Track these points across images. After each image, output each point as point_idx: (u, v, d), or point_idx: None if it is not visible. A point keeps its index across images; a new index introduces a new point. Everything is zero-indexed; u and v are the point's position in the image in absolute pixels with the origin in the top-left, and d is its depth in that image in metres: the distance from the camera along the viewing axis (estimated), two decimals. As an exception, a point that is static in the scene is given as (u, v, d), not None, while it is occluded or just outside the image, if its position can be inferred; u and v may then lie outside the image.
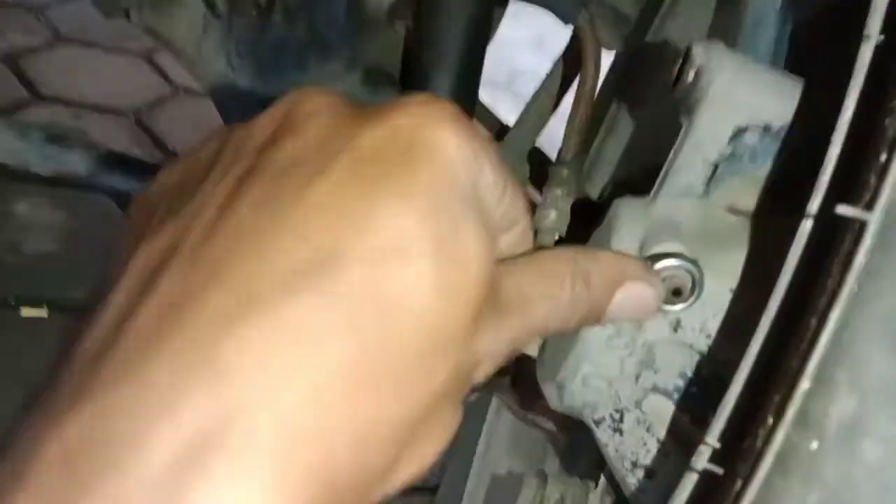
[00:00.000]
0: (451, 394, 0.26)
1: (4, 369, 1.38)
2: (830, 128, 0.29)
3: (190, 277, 0.24)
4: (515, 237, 0.33)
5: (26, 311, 1.50)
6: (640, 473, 0.44)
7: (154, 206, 0.28)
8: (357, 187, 0.24)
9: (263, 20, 0.84)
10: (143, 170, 0.76)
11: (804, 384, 0.24)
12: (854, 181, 0.25)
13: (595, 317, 0.35)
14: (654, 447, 0.44)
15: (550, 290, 0.32)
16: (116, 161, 0.75)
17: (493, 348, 0.29)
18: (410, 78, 0.84)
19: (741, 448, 0.25)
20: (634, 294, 0.36)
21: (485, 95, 0.90)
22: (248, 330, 0.22)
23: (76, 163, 0.73)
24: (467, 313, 0.25)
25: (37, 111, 2.02)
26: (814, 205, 0.26)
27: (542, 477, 0.59)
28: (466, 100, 0.82)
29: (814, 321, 0.24)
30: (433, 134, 0.25)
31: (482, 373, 0.29)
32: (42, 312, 1.51)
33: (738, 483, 0.24)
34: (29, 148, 0.71)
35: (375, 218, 0.24)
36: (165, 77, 2.35)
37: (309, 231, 0.24)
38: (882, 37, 0.27)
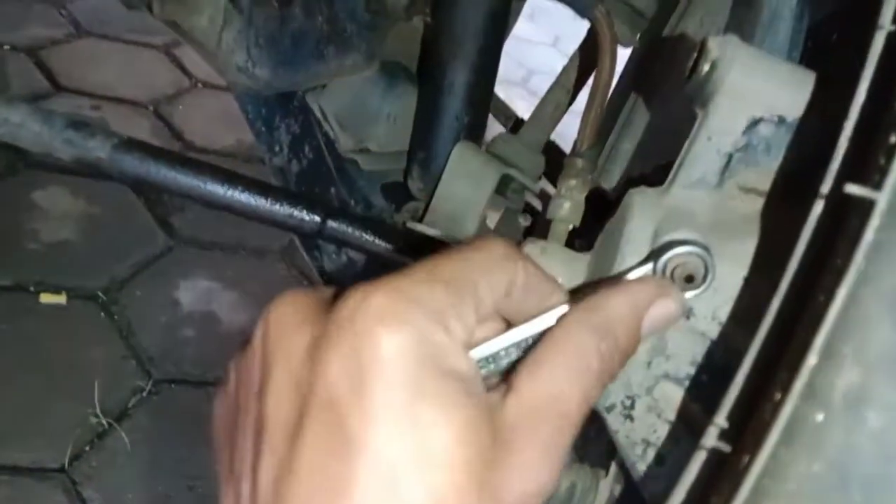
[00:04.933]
0: None
1: (25, 354, 1.40)
2: (843, 118, 0.29)
3: None
4: (520, 293, 0.35)
5: (46, 298, 1.52)
6: (651, 460, 0.44)
7: (220, 427, 0.36)
8: (328, 447, 0.29)
9: (283, 13, 0.84)
10: (161, 157, 0.77)
11: (811, 359, 0.24)
12: (864, 163, 0.25)
13: (632, 354, 0.37)
14: (664, 434, 0.44)
15: (580, 373, 0.34)
16: (137, 147, 0.76)
17: (526, 476, 0.31)
18: (428, 71, 0.85)
19: (749, 425, 0.26)
20: (659, 315, 0.38)
21: (501, 92, 0.91)
22: None
23: (98, 148, 0.74)
24: (465, 499, 0.29)
25: (57, 102, 2.04)
26: (826, 185, 0.26)
27: (553, 464, 0.59)
28: (482, 92, 0.83)
29: (822, 297, 0.24)
30: (373, 350, 0.29)
31: (537, 497, 0.32)
32: (61, 299, 1.53)
33: (745, 458, 0.25)
34: (52, 134, 0.72)
35: (352, 473, 0.28)
36: (184, 70, 2.37)
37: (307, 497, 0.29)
38: (895, 27, 0.28)
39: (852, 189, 0.24)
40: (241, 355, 0.34)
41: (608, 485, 0.58)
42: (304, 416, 0.29)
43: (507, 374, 0.34)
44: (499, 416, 0.31)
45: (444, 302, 0.31)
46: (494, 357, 0.35)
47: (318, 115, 0.93)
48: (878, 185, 0.24)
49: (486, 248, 0.34)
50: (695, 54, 0.46)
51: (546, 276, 0.37)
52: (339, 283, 0.95)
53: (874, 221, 0.24)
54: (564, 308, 0.37)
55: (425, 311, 0.30)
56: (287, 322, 0.32)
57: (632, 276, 0.41)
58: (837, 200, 0.25)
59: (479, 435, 0.30)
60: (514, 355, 0.36)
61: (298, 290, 0.34)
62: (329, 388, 0.29)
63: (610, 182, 0.95)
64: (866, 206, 0.24)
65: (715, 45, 0.44)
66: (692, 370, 0.44)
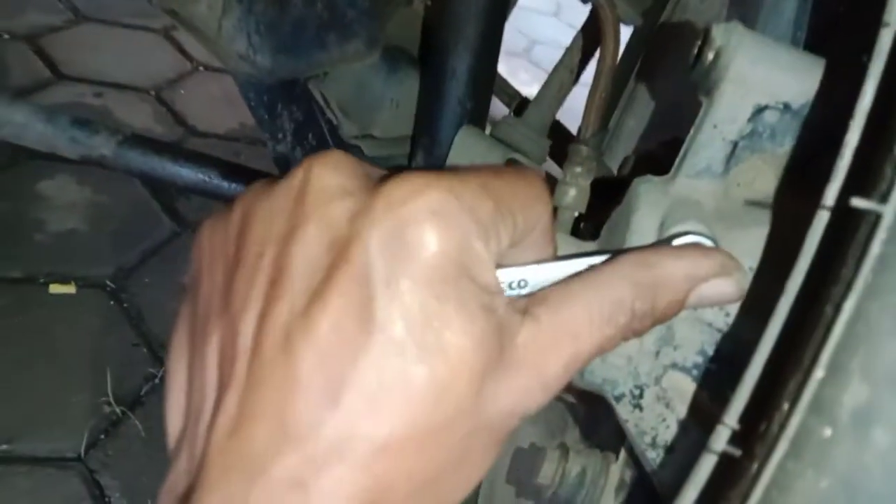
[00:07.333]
0: (472, 448, 0.31)
1: (36, 346, 1.41)
2: (849, 113, 0.29)
3: (242, 410, 0.30)
4: (537, 237, 0.35)
5: (55, 288, 1.53)
6: (660, 448, 0.45)
7: (203, 271, 0.35)
8: (348, 316, 0.29)
9: (282, 0, 0.84)
10: (166, 152, 0.77)
11: (818, 372, 0.24)
12: (870, 171, 0.25)
13: (664, 321, 0.36)
14: (673, 423, 0.44)
15: (604, 324, 0.34)
16: (141, 142, 0.76)
17: (518, 398, 0.32)
18: (429, 56, 0.84)
19: (757, 431, 0.26)
20: (712, 293, 0.37)
21: (503, 66, 0.90)
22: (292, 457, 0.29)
23: (103, 146, 0.74)
24: (462, 400, 0.30)
25: (59, 90, 2.04)
26: (829, 196, 0.26)
27: (564, 450, 0.60)
28: (485, 76, 0.82)
29: (829, 310, 0.24)
30: (419, 241, 0.29)
31: (518, 417, 0.32)
32: (70, 289, 1.53)
33: (755, 465, 0.25)
34: (56, 133, 0.72)
35: (366, 346, 0.29)
36: (185, 54, 2.36)
37: (319, 371, 0.29)
38: (901, 23, 0.27)
39: (858, 202, 0.24)
40: (270, 193, 0.32)
41: (619, 469, 0.59)
42: (332, 279, 0.29)
43: (530, 296, 0.34)
44: (512, 337, 0.31)
45: (491, 218, 0.31)
46: (519, 284, 0.35)
47: (321, 102, 0.93)
48: (884, 198, 0.24)
49: (531, 183, 0.34)
50: (699, 42, 0.45)
51: (553, 233, 0.37)
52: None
53: (881, 235, 0.24)
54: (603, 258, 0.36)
55: (475, 221, 0.30)
56: (330, 183, 0.31)
57: (681, 241, 0.41)
58: (843, 212, 0.25)
59: (488, 349, 0.30)
60: (536, 288, 0.35)
61: (344, 154, 0.33)
62: (365, 263, 0.29)
63: (614, 160, 0.95)
64: (873, 220, 0.24)
65: (719, 33, 0.44)
66: (700, 360, 0.44)
